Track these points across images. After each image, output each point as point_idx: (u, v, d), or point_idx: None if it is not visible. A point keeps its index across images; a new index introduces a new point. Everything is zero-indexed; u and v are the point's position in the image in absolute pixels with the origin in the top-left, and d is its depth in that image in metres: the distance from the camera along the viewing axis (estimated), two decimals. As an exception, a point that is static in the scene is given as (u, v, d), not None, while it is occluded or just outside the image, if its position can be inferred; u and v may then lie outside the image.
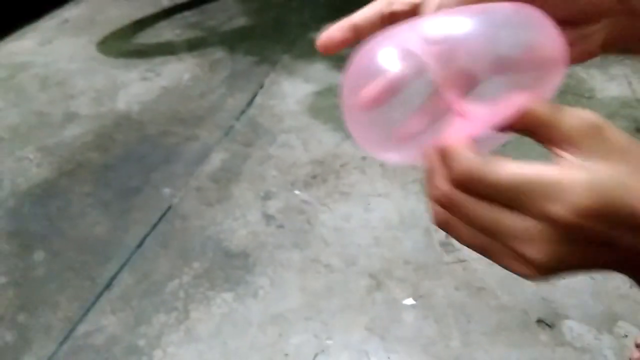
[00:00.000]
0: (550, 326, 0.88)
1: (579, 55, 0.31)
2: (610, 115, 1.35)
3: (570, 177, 0.24)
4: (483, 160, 0.25)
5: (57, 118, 1.47)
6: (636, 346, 0.85)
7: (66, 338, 0.92)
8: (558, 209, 0.24)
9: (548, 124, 0.27)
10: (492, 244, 0.26)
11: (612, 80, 1.48)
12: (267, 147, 1.32)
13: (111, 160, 1.31)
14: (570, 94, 1.44)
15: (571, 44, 0.31)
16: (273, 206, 1.15)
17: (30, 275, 1.04)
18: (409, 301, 0.94)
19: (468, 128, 0.27)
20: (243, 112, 1.45)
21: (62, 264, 1.05)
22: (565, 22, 0.30)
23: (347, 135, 1.34)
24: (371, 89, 0.30)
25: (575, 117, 0.26)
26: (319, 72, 1.60)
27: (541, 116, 0.27)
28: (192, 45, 1.79)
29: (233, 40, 1.81)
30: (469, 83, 0.28)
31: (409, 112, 0.29)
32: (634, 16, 0.29)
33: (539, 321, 0.89)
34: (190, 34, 1.87)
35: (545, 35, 0.30)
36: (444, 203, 0.27)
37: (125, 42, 1.84)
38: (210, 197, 1.19)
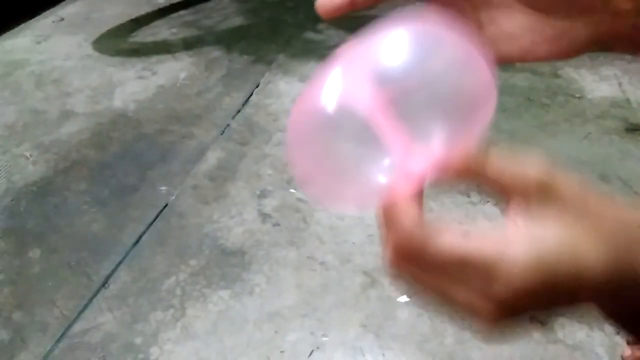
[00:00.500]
0: (542, 324, 0.89)
1: (564, 52, 0.31)
2: (601, 115, 1.36)
3: (512, 255, 0.24)
4: (423, 232, 0.25)
5: (53, 116, 1.47)
6: (627, 343, 0.86)
7: (62, 336, 0.92)
8: (499, 290, 0.24)
9: (497, 174, 0.27)
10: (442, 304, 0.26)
11: (602, 80, 1.50)
12: (263, 145, 1.33)
13: (108, 158, 1.31)
14: (561, 94, 1.46)
15: (556, 38, 0.31)
16: (269, 204, 1.16)
17: (26, 273, 1.04)
18: (403, 299, 0.95)
19: (410, 173, 0.28)
20: (239, 110, 1.46)
21: (58, 261, 1.06)
22: (548, 12, 0.31)
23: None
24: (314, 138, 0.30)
25: (524, 170, 0.26)
26: (313, 71, 1.61)
27: (489, 165, 0.27)
28: (189, 44, 1.79)
29: (229, 40, 1.81)
30: (409, 124, 0.28)
31: (352, 156, 0.29)
32: (617, 15, 0.30)
33: (532, 319, 0.91)
34: (186, 33, 1.87)
35: (478, 74, 0.31)
36: (392, 263, 0.27)
37: (121, 41, 1.84)
38: (206, 195, 1.19)
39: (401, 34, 0.31)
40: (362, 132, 0.28)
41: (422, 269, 0.26)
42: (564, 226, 0.24)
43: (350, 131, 0.29)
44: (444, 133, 0.29)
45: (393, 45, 0.30)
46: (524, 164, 0.26)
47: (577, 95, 1.45)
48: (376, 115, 0.28)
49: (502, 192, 0.26)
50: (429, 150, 0.28)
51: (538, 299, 0.24)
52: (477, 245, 0.24)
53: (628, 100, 1.41)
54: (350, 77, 0.29)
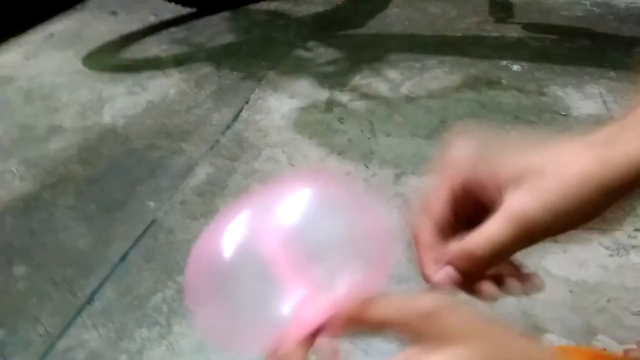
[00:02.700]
0: (530, 339, 0.89)
1: None
2: (586, 132, 1.38)
3: None
4: None
5: (41, 131, 1.47)
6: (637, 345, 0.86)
7: (46, 353, 0.91)
8: None
9: (383, 318, 0.28)
10: None
11: (587, 98, 1.52)
12: (252, 161, 1.33)
13: (95, 174, 1.31)
14: (547, 112, 1.48)
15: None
16: (258, 220, 1.16)
17: (10, 289, 1.02)
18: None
19: (302, 321, 0.29)
20: (229, 126, 1.46)
21: (43, 277, 1.04)
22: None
23: (332, 150, 1.36)
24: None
25: (408, 306, 0.28)
26: (304, 88, 1.62)
27: (378, 310, 0.29)
28: (179, 61, 1.80)
29: (219, 57, 1.82)
30: (306, 275, 0.30)
31: (251, 298, 0.30)
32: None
33: (520, 334, 0.91)
34: (176, 49, 1.88)
35: (376, 237, 0.34)
36: None
37: (111, 57, 1.85)
38: (195, 210, 1.19)
39: (308, 188, 0.34)
40: (263, 276, 0.29)
41: None
42: (449, 351, 0.25)
43: (252, 273, 0.30)
44: (341, 284, 0.30)
45: (299, 198, 0.32)
46: (411, 302, 0.28)
47: (563, 113, 1.47)
48: (279, 261, 0.29)
49: (389, 332, 0.28)
50: (323, 300, 0.29)
51: None
52: None
53: (612, 118, 1.44)
54: (257, 223, 0.31)
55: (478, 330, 0.27)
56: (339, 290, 0.30)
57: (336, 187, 0.35)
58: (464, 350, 0.26)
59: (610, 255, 1.04)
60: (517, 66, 1.70)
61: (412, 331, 0.27)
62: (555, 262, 1.03)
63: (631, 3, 2.12)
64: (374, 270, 0.33)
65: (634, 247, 1.06)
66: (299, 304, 0.30)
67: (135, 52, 1.87)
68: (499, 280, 0.34)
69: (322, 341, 0.29)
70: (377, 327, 0.29)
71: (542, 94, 1.56)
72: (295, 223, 0.32)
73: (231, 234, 0.32)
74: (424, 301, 0.28)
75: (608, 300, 0.95)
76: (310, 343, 0.30)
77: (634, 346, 0.86)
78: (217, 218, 0.33)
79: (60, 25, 2.08)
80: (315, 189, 0.34)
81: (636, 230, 1.09)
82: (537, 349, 0.28)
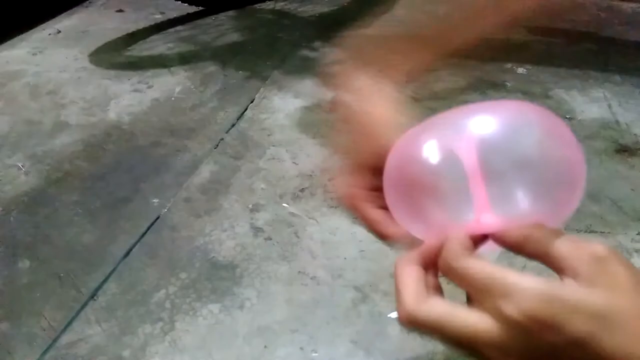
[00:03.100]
0: None
1: None
2: (591, 136, 1.38)
3: (529, 282, 0.27)
4: (466, 257, 0.29)
5: (47, 127, 1.47)
6: None
7: (49, 348, 0.91)
8: (509, 307, 0.26)
9: (552, 252, 0.29)
10: None
11: (592, 102, 1.53)
12: (256, 160, 1.34)
13: (100, 170, 1.31)
14: (553, 114, 1.48)
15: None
16: (261, 218, 1.16)
17: (14, 283, 1.03)
18: (394, 314, 0.95)
19: (481, 228, 0.31)
20: (233, 125, 1.47)
21: (47, 272, 1.05)
22: None
23: (335, 150, 1.36)
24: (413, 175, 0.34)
25: (580, 247, 0.28)
26: (308, 88, 1.63)
27: (547, 244, 0.30)
28: (184, 59, 1.81)
29: (225, 55, 1.83)
30: (494, 178, 0.31)
31: (441, 196, 0.33)
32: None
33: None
34: (182, 47, 1.89)
35: (569, 151, 0.34)
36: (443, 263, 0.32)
37: (117, 54, 1.86)
38: (199, 208, 1.19)
39: (507, 110, 0.35)
40: (458, 180, 0.32)
41: (455, 273, 0.30)
42: (617, 297, 0.26)
43: (448, 174, 0.32)
44: (525, 209, 0.32)
45: (498, 117, 0.34)
46: (583, 243, 0.29)
47: (568, 117, 1.47)
48: (473, 172, 0.31)
49: (557, 269, 0.29)
50: (501, 219, 0.31)
51: (545, 334, 0.25)
52: (502, 271, 0.28)
53: (617, 122, 1.44)
54: (456, 136, 0.33)
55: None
56: (522, 211, 0.32)
57: (537, 112, 0.36)
58: (630, 302, 0.26)
59: (613, 259, 1.04)
60: (522, 69, 1.70)
61: (578, 272, 0.27)
62: (557, 265, 1.03)
63: (637, 7, 2.12)
64: (562, 198, 0.34)
65: (637, 251, 1.06)
66: (479, 212, 0.31)
67: (141, 49, 1.88)
68: None
69: (484, 248, 0.32)
70: (542, 257, 0.30)
71: (547, 97, 1.56)
72: (495, 135, 0.33)
73: (431, 139, 0.34)
74: (598, 246, 0.28)
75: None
76: (474, 245, 0.32)
77: None
78: (418, 126, 0.36)
79: (67, 22, 2.09)
80: (518, 110, 0.36)
81: (639, 234, 1.09)
82: None
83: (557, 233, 0.30)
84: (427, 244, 0.33)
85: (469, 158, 0.31)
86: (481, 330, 0.27)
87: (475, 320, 0.28)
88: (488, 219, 0.31)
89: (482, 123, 0.33)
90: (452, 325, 0.29)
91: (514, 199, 0.32)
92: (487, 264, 0.29)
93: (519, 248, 0.31)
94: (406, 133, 0.37)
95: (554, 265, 0.29)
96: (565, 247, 0.29)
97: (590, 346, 0.25)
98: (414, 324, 0.30)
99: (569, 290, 0.27)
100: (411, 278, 0.31)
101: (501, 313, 0.27)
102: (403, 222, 0.36)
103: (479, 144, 0.32)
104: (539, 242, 0.30)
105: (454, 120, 0.34)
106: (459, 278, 0.30)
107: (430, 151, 0.33)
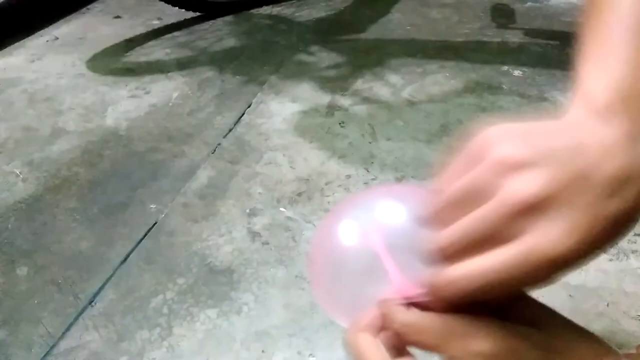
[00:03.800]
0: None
1: None
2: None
3: (482, 323, 0.30)
4: (416, 314, 0.32)
5: (45, 133, 1.48)
6: None
7: (47, 354, 0.91)
8: (477, 345, 0.30)
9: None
10: None
11: (589, 104, 1.53)
12: (253, 164, 1.34)
13: (98, 176, 1.32)
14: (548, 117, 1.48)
15: None
16: (259, 223, 1.16)
17: (12, 290, 1.03)
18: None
19: (400, 290, 0.36)
20: (230, 130, 1.47)
21: (45, 279, 1.05)
22: None
23: (332, 154, 1.36)
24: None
25: None
26: (305, 92, 1.63)
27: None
28: (182, 65, 1.81)
29: (222, 61, 1.83)
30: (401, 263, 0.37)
31: (357, 276, 0.39)
32: None
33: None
34: (180, 53, 1.90)
35: None
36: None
37: (115, 60, 1.86)
38: (196, 213, 1.19)
39: (400, 193, 0.43)
40: (370, 265, 0.38)
41: (410, 328, 0.32)
42: None
43: (361, 261, 0.38)
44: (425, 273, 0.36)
45: (392, 199, 0.41)
46: None
47: (564, 118, 1.47)
48: (381, 253, 0.37)
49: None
50: (413, 289, 0.35)
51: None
52: (451, 315, 0.31)
53: (613, 123, 1.44)
54: (362, 222, 0.40)
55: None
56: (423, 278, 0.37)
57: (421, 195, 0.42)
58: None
59: (610, 260, 1.04)
60: (519, 71, 1.71)
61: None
62: (554, 267, 1.03)
63: (632, 9, 2.12)
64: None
65: (633, 251, 1.06)
66: (392, 287, 0.36)
67: (139, 55, 1.89)
68: None
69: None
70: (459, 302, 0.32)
71: (543, 99, 1.56)
72: (393, 222, 0.40)
73: (343, 226, 0.41)
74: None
75: (607, 305, 0.95)
76: (380, 327, 0.34)
77: (634, 350, 0.86)
78: (332, 211, 0.43)
79: (64, 29, 2.09)
80: (408, 195, 0.42)
81: (636, 235, 1.10)
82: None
83: None
84: (367, 314, 0.35)
85: (376, 241, 0.38)
86: None
87: None
88: (405, 286, 0.36)
89: (384, 208, 0.41)
90: None
91: (419, 266, 0.36)
92: (434, 314, 0.31)
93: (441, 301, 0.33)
94: (326, 218, 0.43)
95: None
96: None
97: None
98: None
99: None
100: (371, 343, 0.33)
101: (470, 352, 0.28)
102: (326, 303, 0.41)
103: (382, 228, 0.39)
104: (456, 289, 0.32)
105: (359, 208, 0.42)
106: (416, 332, 0.31)
107: (346, 237, 0.40)
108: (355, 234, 0.40)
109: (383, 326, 0.34)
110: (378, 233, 0.38)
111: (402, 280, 0.36)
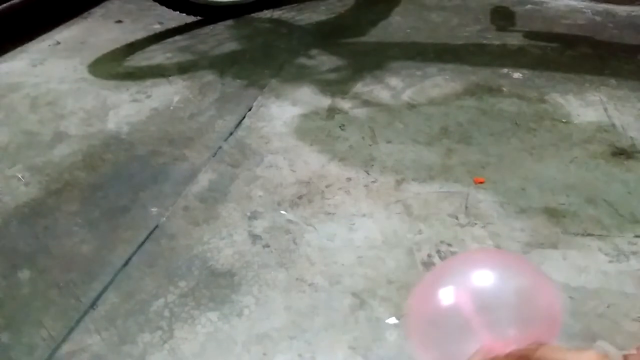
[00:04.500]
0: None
1: None
2: (587, 140, 1.39)
3: None
4: None
5: (47, 138, 1.49)
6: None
7: (49, 357, 0.92)
8: None
9: None
10: None
11: (588, 105, 1.53)
12: (254, 167, 1.34)
13: (99, 180, 1.32)
14: (548, 119, 1.49)
15: None
16: (259, 226, 1.17)
17: (14, 294, 1.04)
18: (392, 320, 0.95)
19: (495, 350, 0.40)
20: (231, 133, 1.48)
21: (47, 282, 1.05)
22: None
23: (333, 157, 1.37)
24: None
25: (580, 355, 0.33)
26: (306, 96, 1.64)
27: (554, 355, 0.35)
28: (183, 69, 1.82)
29: (223, 64, 1.84)
30: (492, 326, 0.41)
31: (454, 339, 0.43)
32: None
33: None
34: (181, 57, 1.90)
35: (547, 301, 0.44)
36: None
37: (116, 65, 1.87)
38: (197, 216, 1.20)
39: (492, 260, 0.47)
40: (462, 325, 0.42)
41: None
42: None
43: (455, 321, 0.43)
44: (516, 339, 0.41)
45: (485, 267, 0.45)
46: (581, 352, 0.33)
47: (564, 120, 1.48)
48: (472, 316, 0.41)
49: None
50: (501, 348, 0.40)
51: None
52: None
53: (613, 125, 1.44)
54: (457, 287, 0.45)
55: None
56: (515, 339, 0.41)
57: (519, 263, 0.48)
58: None
59: (610, 262, 1.04)
60: (518, 74, 1.71)
61: None
62: (555, 268, 1.03)
63: (632, 11, 2.13)
64: (544, 330, 0.43)
65: (634, 253, 1.06)
66: (484, 346, 0.41)
67: (140, 60, 1.90)
68: None
69: None
70: None
71: (543, 101, 1.57)
72: (486, 286, 0.44)
73: (440, 292, 0.45)
74: (589, 355, 0.36)
75: (608, 306, 0.95)
76: None
77: (634, 351, 0.86)
78: (431, 274, 0.51)
79: (66, 34, 2.10)
80: (499, 259, 0.48)
81: (636, 236, 1.10)
82: None
83: (559, 348, 0.38)
84: None
85: (467, 306, 0.42)
86: None
87: None
88: (495, 347, 0.40)
89: (477, 275, 0.45)
90: None
91: (506, 330, 0.42)
92: None
93: None
94: (421, 285, 0.48)
95: None
96: (562, 356, 0.37)
97: None
98: None
99: None
100: None
101: None
102: (422, 354, 0.46)
103: (473, 294, 0.43)
104: (551, 355, 0.37)
105: (455, 274, 0.46)
106: None
107: (441, 304, 0.45)
108: (451, 295, 0.44)
109: None
110: (470, 295, 0.43)
111: (490, 340, 0.41)
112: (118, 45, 1.98)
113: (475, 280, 0.45)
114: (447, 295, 0.45)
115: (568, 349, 0.37)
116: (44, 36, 2.08)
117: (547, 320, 0.44)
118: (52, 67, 1.85)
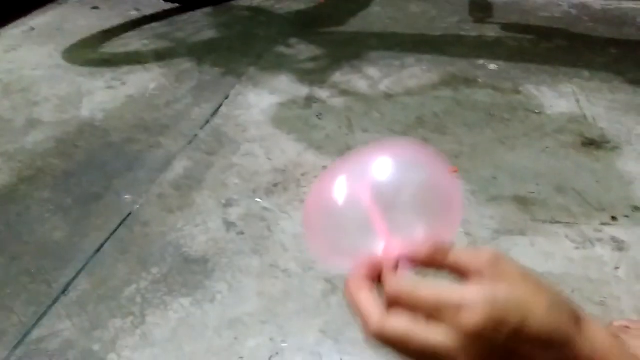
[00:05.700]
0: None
1: None
2: (559, 130, 1.42)
3: (473, 294, 0.31)
4: (408, 282, 0.33)
5: (19, 124, 1.46)
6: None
7: (19, 343, 0.91)
8: (466, 318, 0.30)
9: (455, 260, 0.35)
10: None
11: (561, 97, 1.56)
12: (230, 155, 1.34)
13: (73, 167, 1.31)
14: (521, 109, 1.51)
15: None
16: (234, 213, 1.17)
17: (-16, 281, 1.03)
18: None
19: (390, 249, 0.37)
20: (208, 121, 1.47)
21: (18, 269, 1.05)
22: None
23: (309, 145, 1.37)
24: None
25: (476, 254, 0.33)
26: (283, 84, 1.64)
27: (449, 255, 0.35)
28: (160, 56, 1.81)
29: (200, 52, 1.83)
30: (393, 221, 0.38)
31: (349, 231, 0.40)
32: None
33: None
34: (158, 44, 1.89)
35: (444, 180, 0.43)
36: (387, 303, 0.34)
37: (91, 51, 1.84)
38: (171, 204, 1.20)
39: (391, 152, 0.43)
40: (360, 219, 0.39)
41: (409, 308, 0.33)
42: (516, 285, 0.32)
43: (353, 216, 0.40)
44: (419, 230, 0.39)
45: (385, 159, 0.43)
46: (477, 250, 0.35)
47: (537, 111, 1.50)
48: (371, 210, 0.38)
49: (461, 275, 0.35)
50: (403, 242, 0.37)
51: (498, 334, 0.30)
52: (444, 288, 0.32)
53: (585, 116, 1.47)
54: (354, 181, 0.41)
55: (533, 277, 0.33)
56: (416, 233, 0.39)
57: (416, 152, 0.44)
58: (526, 287, 0.32)
59: (576, 248, 1.07)
60: (494, 65, 1.74)
61: (482, 275, 0.33)
62: (522, 254, 1.05)
63: (606, 4, 2.17)
64: (445, 221, 0.41)
65: (599, 240, 1.09)
66: (384, 240, 0.38)
67: (116, 46, 1.87)
68: None
69: (400, 269, 0.36)
70: (449, 267, 0.35)
71: (517, 92, 1.59)
72: (384, 179, 0.41)
73: (336, 185, 0.42)
74: (489, 250, 0.34)
75: (572, 291, 0.98)
76: (376, 276, 0.36)
77: (625, 322, 0.89)
78: (326, 172, 0.44)
79: (41, 19, 2.07)
80: (400, 153, 0.44)
81: (602, 224, 1.13)
82: (566, 301, 0.33)
83: (454, 246, 0.36)
84: (365, 264, 0.37)
85: (365, 198, 0.39)
86: (444, 343, 0.30)
87: (436, 335, 0.31)
88: (393, 245, 0.37)
89: (375, 166, 0.42)
90: (417, 340, 0.32)
91: (407, 225, 0.39)
92: (429, 286, 0.32)
93: (430, 263, 0.36)
94: (319, 180, 0.44)
95: (460, 272, 0.34)
96: (465, 256, 0.35)
97: (524, 330, 0.30)
98: (382, 340, 0.33)
99: (504, 291, 0.30)
100: (369, 297, 0.35)
101: (460, 325, 0.30)
102: (322, 254, 0.43)
103: (372, 186, 0.40)
104: (444, 255, 0.35)
105: (353, 166, 0.43)
106: (411, 305, 0.33)
107: (337, 196, 0.41)
108: (347, 190, 0.41)
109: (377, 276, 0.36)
110: (368, 189, 0.40)
111: (388, 237, 0.38)
112: (94, 32, 1.96)
113: (375, 172, 0.41)
114: (344, 188, 0.42)
115: (466, 248, 0.36)
116: (18, 22, 2.04)
117: (447, 213, 0.42)
118: (26, 54, 1.82)
